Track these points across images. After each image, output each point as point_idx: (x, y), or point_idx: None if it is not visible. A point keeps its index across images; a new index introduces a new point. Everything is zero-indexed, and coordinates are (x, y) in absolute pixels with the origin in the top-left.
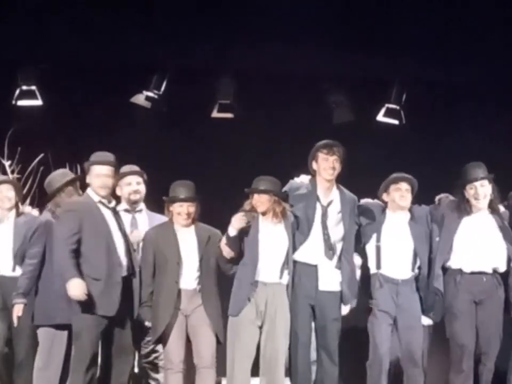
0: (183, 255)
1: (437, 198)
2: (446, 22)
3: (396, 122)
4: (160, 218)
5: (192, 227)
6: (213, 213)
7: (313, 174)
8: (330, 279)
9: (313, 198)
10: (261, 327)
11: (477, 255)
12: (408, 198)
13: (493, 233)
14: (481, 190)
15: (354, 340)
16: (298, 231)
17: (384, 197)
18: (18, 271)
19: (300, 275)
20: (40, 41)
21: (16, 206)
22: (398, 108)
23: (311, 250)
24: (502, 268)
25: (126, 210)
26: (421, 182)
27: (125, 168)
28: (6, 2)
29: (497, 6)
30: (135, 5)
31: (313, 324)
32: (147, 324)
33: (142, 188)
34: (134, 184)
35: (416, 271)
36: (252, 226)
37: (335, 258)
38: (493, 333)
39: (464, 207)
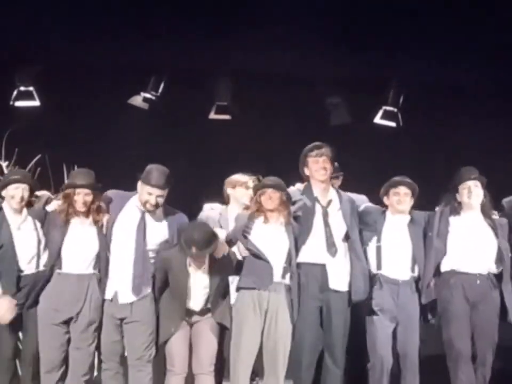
0: (193, 291)
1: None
2: (445, 24)
3: (393, 124)
4: (176, 213)
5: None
6: None
7: (306, 179)
8: (339, 277)
9: (311, 200)
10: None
11: (469, 255)
12: (407, 202)
13: (484, 233)
14: (475, 189)
15: (355, 341)
16: (300, 234)
17: (385, 200)
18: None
19: (307, 275)
20: (37, 42)
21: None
22: (395, 110)
23: (314, 250)
24: (496, 269)
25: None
26: (419, 184)
27: (156, 178)
28: (4, 3)
29: (497, 8)
30: (133, 6)
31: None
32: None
33: (161, 201)
34: (153, 197)
35: (416, 272)
36: (253, 227)
37: (340, 256)
38: (488, 336)
39: (456, 208)
